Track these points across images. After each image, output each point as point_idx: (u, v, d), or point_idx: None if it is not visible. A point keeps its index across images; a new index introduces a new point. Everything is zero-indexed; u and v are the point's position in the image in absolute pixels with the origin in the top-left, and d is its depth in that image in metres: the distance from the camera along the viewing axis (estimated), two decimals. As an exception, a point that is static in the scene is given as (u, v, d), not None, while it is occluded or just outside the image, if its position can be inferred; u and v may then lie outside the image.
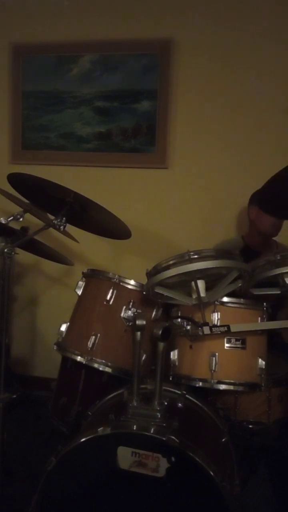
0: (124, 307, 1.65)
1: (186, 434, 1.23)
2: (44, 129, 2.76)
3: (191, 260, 1.41)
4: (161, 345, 1.34)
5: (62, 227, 1.69)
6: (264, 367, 1.55)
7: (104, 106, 2.68)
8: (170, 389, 1.51)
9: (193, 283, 1.48)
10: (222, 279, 1.52)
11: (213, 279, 1.55)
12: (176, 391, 1.51)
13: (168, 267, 1.45)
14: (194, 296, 1.49)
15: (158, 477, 1.18)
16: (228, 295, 1.55)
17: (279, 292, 1.53)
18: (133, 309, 1.64)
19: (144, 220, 2.65)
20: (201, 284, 1.48)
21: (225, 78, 2.54)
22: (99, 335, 1.64)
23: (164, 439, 1.17)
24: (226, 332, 1.47)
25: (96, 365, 1.61)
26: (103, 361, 1.62)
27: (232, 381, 1.52)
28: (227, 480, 1.22)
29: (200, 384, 1.52)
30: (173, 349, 1.59)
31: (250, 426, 1.70)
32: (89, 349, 1.62)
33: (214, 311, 1.53)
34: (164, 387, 1.43)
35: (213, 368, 1.50)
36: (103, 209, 1.69)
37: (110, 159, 2.70)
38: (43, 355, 2.87)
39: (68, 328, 1.74)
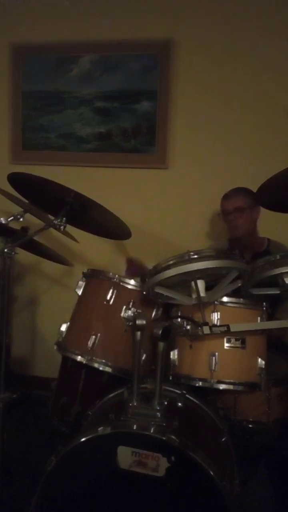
0: (124, 307, 1.65)
1: (186, 434, 1.24)
2: (44, 129, 2.76)
3: (191, 260, 1.41)
4: (161, 345, 1.34)
5: (62, 227, 1.69)
6: (263, 367, 1.55)
7: (104, 106, 2.68)
8: (170, 389, 1.51)
9: (193, 283, 1.49)
10: (222, 279, 1.53)
11: (213, 279, 1.55)
12: (176, 391, 1.51)
13: (168, 267, 1.45)
14: (194, 296, 1.49)
15: (158, 476, 1.18)
16: (228, 295, 1.56)
17: (279, 292, 1.53)
18: (133, 309, 1.64)
19: (144, 220, 2.65)
20: (201, 284, 1.48)
21: (225, 78, 2.54)
22: (99, 335, 1.64)
23: (164, 438, 1.17)
24: (226, 332, 1.47)
25: (96, 365, 1.62)
26: (103, 361, 1.62)
27: (231, 380, 1.52)
28: (227, 480, 1.22)
29: (200, 383, 1.52)
30: (173, 349, 1.60)
31: (250, 426, 1.70)
32: (89, 349, 1.62)
33: (214, 311, 1.53)
34: (164, 387, 1.43)
35: (213, 368, 1.50)
36: (103, 209, 1.69)
37: (110, 159, 2.70)
38: (43, 355, 2.87)
39: (68, 328, 1.74)
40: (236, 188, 2.23)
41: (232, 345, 1.53)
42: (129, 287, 1.67)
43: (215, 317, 1.53)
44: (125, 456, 1.20)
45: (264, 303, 1.60)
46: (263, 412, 1.71)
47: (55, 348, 1.73)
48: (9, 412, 1.58)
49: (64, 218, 1.68)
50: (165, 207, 2.68)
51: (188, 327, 1.54)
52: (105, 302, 1.66)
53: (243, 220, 2.18)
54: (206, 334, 1.47)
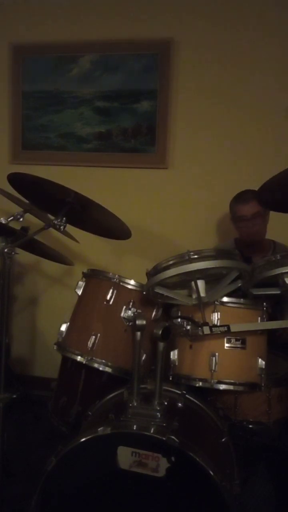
0: (124, 307, 1.65)
1: (186, 434, 1.23)
2: (44, 129, 2.76)
3: (191, 260, 1.41)
4: (161, 345, 1.34)
5: (62, 227, 1.68)
6: (264, 367, 1.55)
7: (104, 106, 2.68)
8: (170, 389, 1.51)
9: (193, 283, 1.48)
10: (222, 279, 1.53)
11: (213, 279, 1.55)
12: (176, 391, 1.51)
13: (168, 267, 1.45)
14: (194, 296, 1.49)
15: (158, 477, 1.18)
16: (228, 295, 1.55)
17: (279, 292, 1.53)
18: (133, 309, 1.64)
19: (144, 220, 2.65)
20: (201, 284, 1.48)
21: (225, 78, 2.54)
22: (99, 335, 1.64)
23: (164, 439, 1.17)
24: (226, 332, 1.47)
25: (96, 365, 1.62)
26: (103, 361, 1.62)
27: (232, 381, 1.52)
28: (227, 480, 1.22)
29: (200, 384, 1.52)
30: (173, 349, 1.59)
31: (250, 426, 1.70)
32: (89, 349, 1.63)
33: (214, 311, 1.53)
34: (164, 387, 1.43)
35: (213, 368, 1.50)
36: (103, 209, 1.69)
37: (110, 159, 2.70)
38: (43, 355, 2.87)
39: (68, 328, 1.74)
40: (247, 191, 2.13)
41: (232, 345, 1.53)
42: (129, 287, 1.67)
43: (215, 317, 1.53)
44: (125, 456, 1.20)
45: (264, 303, 1.60)
46: (263, 412, 1.71)
47: (55, 348, 1.73)
48: (9, 412, 1.58)
49: (64, 218, 1.68)
50: (165, 207, 2.67)
51: (188, 327, 1.53)
52: (105, 302, 1.66)
53: (260, 226, 2.13)
54: (206, 334, 1.47)
